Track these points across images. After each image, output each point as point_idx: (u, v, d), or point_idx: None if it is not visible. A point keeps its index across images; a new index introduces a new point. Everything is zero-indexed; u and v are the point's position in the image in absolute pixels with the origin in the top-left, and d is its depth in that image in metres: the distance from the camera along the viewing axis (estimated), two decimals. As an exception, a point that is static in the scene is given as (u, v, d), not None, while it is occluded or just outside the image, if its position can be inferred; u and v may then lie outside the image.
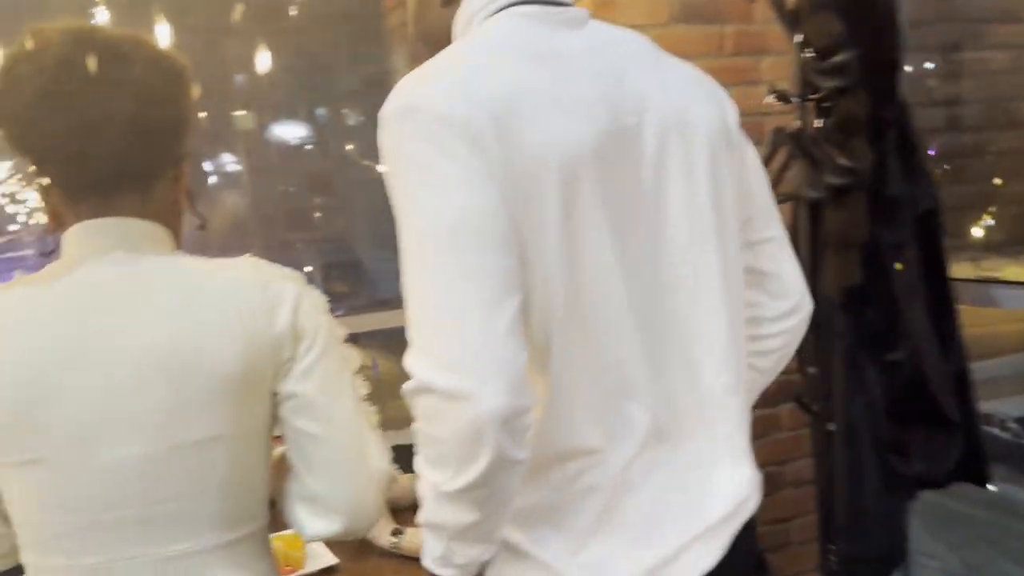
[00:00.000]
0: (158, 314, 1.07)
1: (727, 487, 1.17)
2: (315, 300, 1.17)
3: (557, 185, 1.00)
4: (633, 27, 2.33)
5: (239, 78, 5.75)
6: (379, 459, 1.21)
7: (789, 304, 1.36)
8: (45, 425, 1.05)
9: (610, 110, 1.07)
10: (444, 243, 0.94)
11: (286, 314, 1.12)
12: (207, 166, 5.91)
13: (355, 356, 1.23)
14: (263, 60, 5.06)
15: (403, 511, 2.15)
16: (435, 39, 1.19)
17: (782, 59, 2.46)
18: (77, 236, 1.11)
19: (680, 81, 1.19)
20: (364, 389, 1.23)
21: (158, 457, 1.07)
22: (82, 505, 1.06)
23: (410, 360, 0.95)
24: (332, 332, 1.17)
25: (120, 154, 1.08)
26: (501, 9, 1.11)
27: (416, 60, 1.11)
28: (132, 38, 1.11)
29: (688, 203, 1.14)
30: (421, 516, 1.02)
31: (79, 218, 1.11)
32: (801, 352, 2.21)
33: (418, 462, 0.99)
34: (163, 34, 3.70)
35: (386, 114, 1.00)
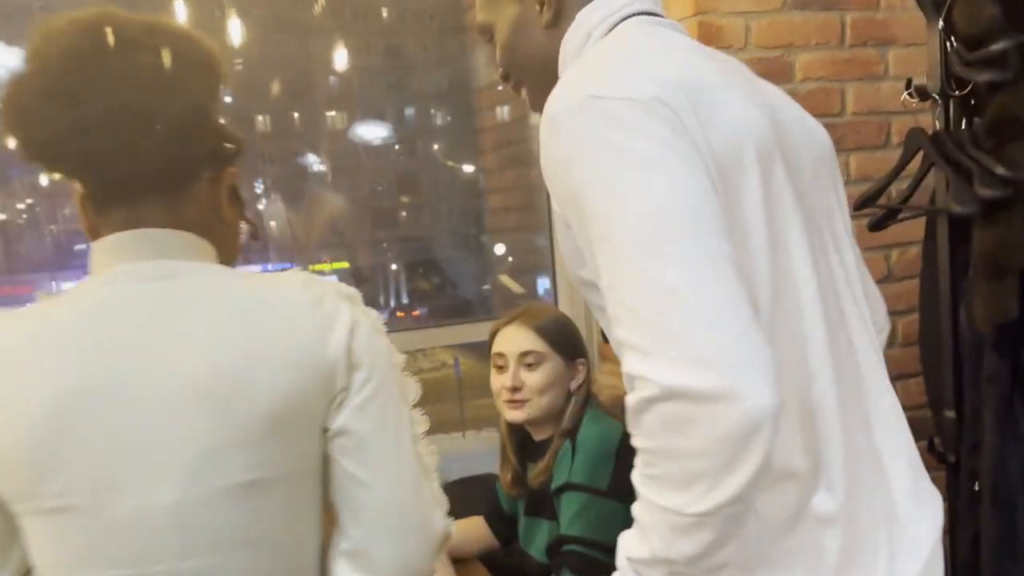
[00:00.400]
0: (193, 338, 0.95)
1: (929, 503, 1.08)
2: (373, 322, 1.03)
3: (757, 170, 0.94)
4: (743, 14, 2.11)
5: (320, 77, 5.67)
6: (435, 513, 1.06)
7: (878, 321, 1.27)
8: (69, 465, 0.92)
9: (763, 104, 1.01)
10: (673, 227, 0.84)
11: (340, 338, 0.97)
12: (298, 165, 5.88)
13: (414, 386, 1.08)
14: (352, 60, 4.93)
15: (465, 564, 1.86)
16: (538, 65, 1.12)
17: (912, 50, 2.20)
18: (104, 251, 0.99)
19: (781, 94, 1.16)
20: (423, 425, 1.07)
21: (193, 503, 0.93)
22: (110, 558, 0.93)
23: (639, 365, 0.82)
24: (391, 360, 1.03)
25: (132, 152, 0.95)
26: (620, 22, 1.05)
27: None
28: (146, 23, 0.98)
29: (828, 204, 1.11)
30: (640, 551, 0.88)
31: (109, 231, 1.00)
32: (934, 391, 1.90)
33: (646, 486, 0.85)
34: (236, 31, 3.51)
35: (560, 111, 0.91)
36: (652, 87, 0.89)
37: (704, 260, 0.83)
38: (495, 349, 1.81)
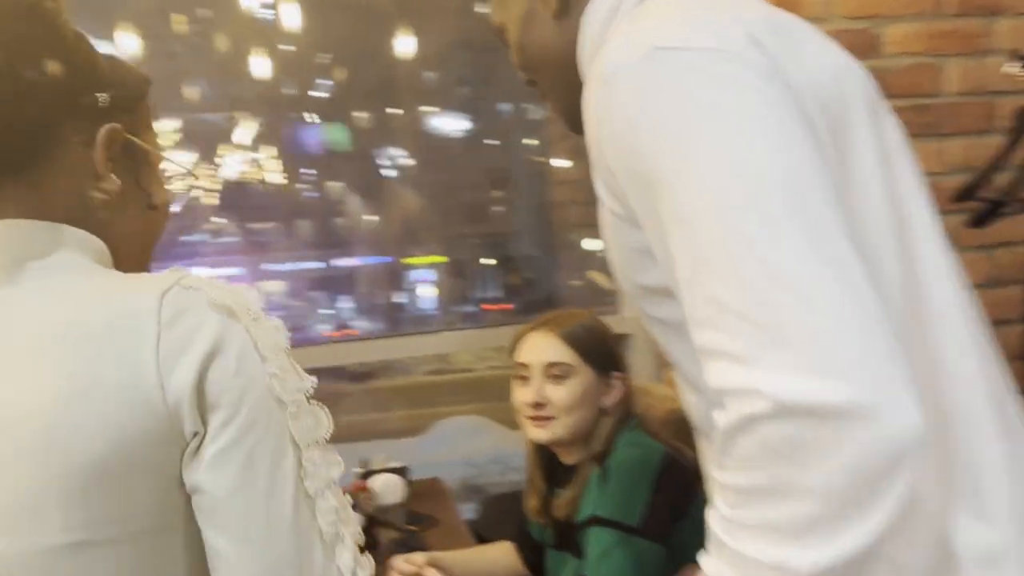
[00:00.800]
0: (13, 366, 0.72)
1: None
2: (255, 343, 0.75)
3: (866, 119, 0.77)
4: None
5: (413, 72, 5.58)
6: None
7: None
8: None
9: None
10: (778, 199, 0.65)
11: (190, 367, 0.72)
12: (384, 159, 5.81)
13: (323, 421, 0.79)
14: (442, 54, 4.80)
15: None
16: (552, 61, 0.96)
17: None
18: None
19: None
20: (335, 468, 0.79)
21: (9, 565, 0.73)
22: None
23: (739, 376, 0.63)
24: (276, 392, 0.75)
25: None
26: None
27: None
28: None
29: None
30: None
31: None
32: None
33: (734, 535, 0.65)
34: (332, 27, 3.37)
35: (619, 66, 0.74)
36: (735, 29, 0.72)
37: (820, 239, 0.64)
38: (517, 358, 1.54)
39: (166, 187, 0.89)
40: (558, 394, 1.48)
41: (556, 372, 1.48)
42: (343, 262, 7.08)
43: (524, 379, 1.52)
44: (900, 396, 0.60)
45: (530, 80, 1.01)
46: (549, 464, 1.59)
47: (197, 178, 1.01)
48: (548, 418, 1.48)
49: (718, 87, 0.69)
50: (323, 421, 0.78)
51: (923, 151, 1.90)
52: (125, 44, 3.64)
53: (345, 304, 7.57)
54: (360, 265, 7.04)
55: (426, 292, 7.04)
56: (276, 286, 8.06)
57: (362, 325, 7.53)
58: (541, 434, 1.49)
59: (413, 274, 6.95)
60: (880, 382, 0.60)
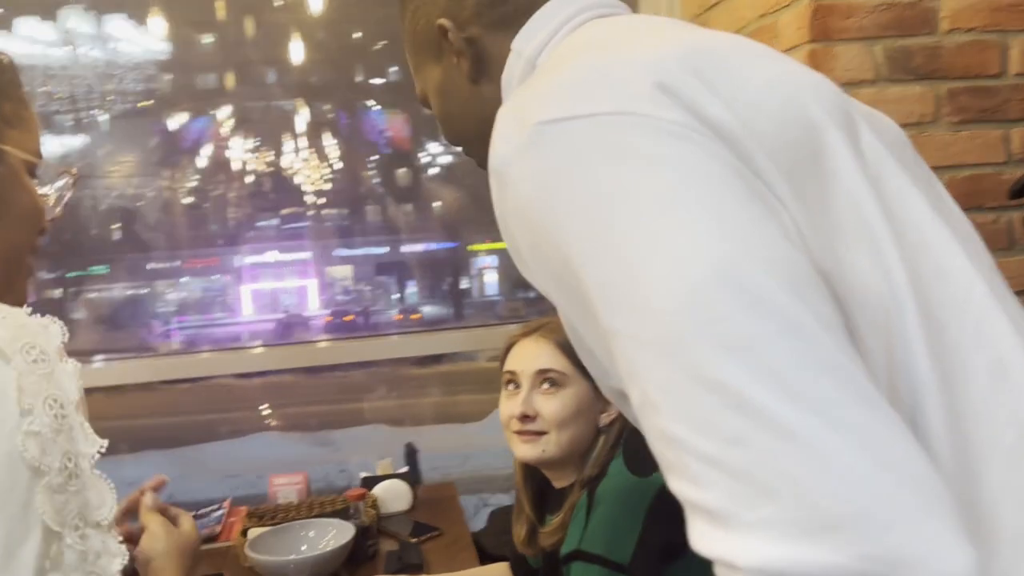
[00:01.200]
0: None
1: None
2: (35, 388, 0.58)
3: (833, 131, 0.60)
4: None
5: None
6: None
7: None
8: None
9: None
10: (715, 299, 0.48)
11: None
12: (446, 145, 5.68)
13: (103, 498, 0.62)
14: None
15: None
16: (473, 128, 0.84)
17: (1105, -11, 1.55)
18: None
19: None
20: (114, 561, 0.63)
21: None
22: None
23: (718, 541, 0.46)
24: (28, 456, 0.57)
25: None
26: (578, 28, 0.75)
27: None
28: None
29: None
30: None
31: None
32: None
33: None
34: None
35: (505, 157, 0.59)
36: (638, 80, 0.58)
37: (789, 339, 0.48)
38: (507, 367, 1.36)
39: (27, 193, 0.74)
40: (549, 406, 1.28)
41: (548, 380, 1.29)
42: (409, 248, 7.01)
43: (513, 390, 1.34)
44: (939, 538, 0.44)
45: (467, 152, 0.88)
46: (540, 488, 1.41)
47: (75, 175, 0.86)
48: (538, 433, 1.29)
49: (619, 162, 0.55)
50: (106, 498, 0.61)
51: (983, 139, 1.65)
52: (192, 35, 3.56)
53: (411, 289, 7.51)
54: (425, 251, 6.95)
55: (491, 278, 6.92)
56: (344, 271, 8.03)
57: (428, 310, 7.44)
58: (529, 451, 1.30)
59: (477, 260, 6.83)
60: (908, 527, 0.44)
